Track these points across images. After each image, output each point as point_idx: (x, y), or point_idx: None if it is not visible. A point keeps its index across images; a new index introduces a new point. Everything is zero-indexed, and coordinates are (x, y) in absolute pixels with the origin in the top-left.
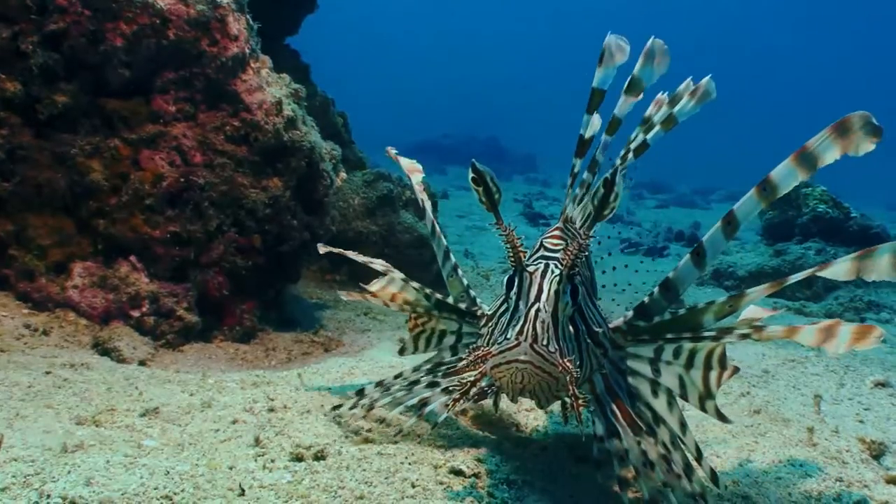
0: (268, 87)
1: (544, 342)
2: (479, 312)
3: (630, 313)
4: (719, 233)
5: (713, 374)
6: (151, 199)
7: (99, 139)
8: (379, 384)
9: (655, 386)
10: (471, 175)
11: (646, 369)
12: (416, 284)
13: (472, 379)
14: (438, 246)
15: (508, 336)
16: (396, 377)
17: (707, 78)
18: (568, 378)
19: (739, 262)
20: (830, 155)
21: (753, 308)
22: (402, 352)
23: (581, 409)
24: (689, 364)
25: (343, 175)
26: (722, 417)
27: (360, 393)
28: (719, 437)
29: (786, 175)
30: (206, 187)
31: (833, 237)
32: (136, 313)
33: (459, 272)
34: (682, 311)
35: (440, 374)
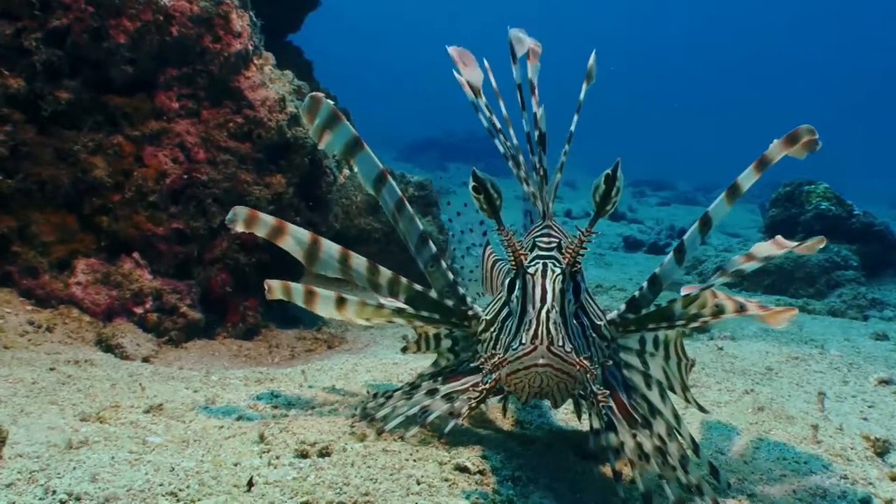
0: (271, 84)
1: (560, 343)
2: (469, 313)
3: (623, 306)
4: (696, 232)
5: (682, 364)
6: (154, 195)
7: (102, 136)
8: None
9: (648, 378)
10: (472, 184)
11: (636, 361)
12: (385, 272)
13: (486, 386)
14: (407, 225)
15: (523, 341)
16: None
17: (591, 55)
18: (588, 376)
19: None
20: (777, 156)
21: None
22: (404, 350)
23: (602, 405)
24: (667, 355)
25: (346, 172)
26: (700, 408)
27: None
28: (723, 434)
29: (749, 179)
30: (210, 184)
31: (836, 234)
32: (139, 310)
33: (443, 264)
34: (663, 304)
35: (440, 380)
